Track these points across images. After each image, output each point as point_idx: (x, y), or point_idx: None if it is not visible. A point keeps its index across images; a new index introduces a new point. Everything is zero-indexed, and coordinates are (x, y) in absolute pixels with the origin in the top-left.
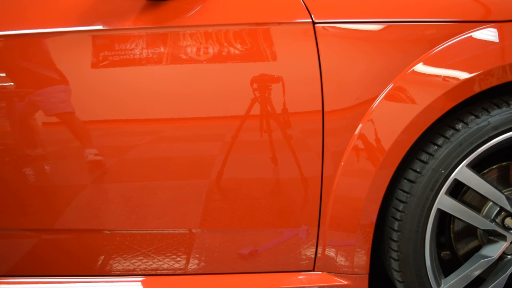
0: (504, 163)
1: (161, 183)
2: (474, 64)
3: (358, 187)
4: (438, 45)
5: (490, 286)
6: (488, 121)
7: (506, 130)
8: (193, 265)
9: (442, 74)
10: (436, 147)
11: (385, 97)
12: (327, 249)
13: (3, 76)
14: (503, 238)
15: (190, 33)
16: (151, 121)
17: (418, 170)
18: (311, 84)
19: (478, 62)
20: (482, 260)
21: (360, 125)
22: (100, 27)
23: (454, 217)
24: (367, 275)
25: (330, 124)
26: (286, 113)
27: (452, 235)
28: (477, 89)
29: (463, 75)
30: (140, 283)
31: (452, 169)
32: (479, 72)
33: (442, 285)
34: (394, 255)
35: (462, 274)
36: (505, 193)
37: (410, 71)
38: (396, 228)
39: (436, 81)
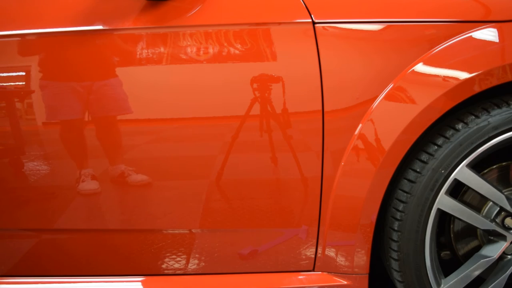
0: (504, 163)
1: (161, 183)
2: (474, 64)
3: (358, 187)
4: (438, 45)
5: (490, 286)
6: (488, 121)
7: (506, 130)
8: (193, 265)
9: (442, 74)
10: (436, 147)
11: (385, 97)
12: (327, 249)
13: (3, 76)
14: (503, 238)
15: (190, 33)
16: (151, 121)
17: (418, 170)
18: (311, 84)
19: (478, 62)
20: (482, 260)
21: (360, 125)
22: (99, 27)
23: (454, 217)
24: (367, 275)
25: (330, 124)
26: (286, 113)
27: (452, 235)
28: (477, 89)
29: (463, 75)
30: (140, 283)
31: (452, 169)
32: (479, 72)
33: (442, 285)
34: (394, 255)
35: (462, 274)
36: (505, 193)
37: (410, 71)
38: (396, 228)
39: (436, 81)
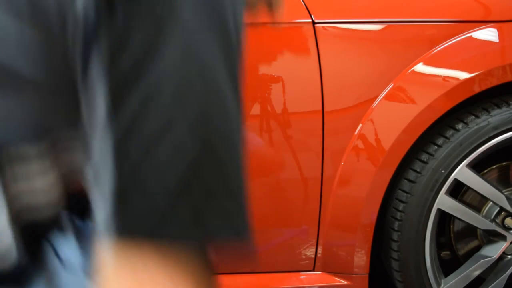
0: (504, 163)
1: None
2: (474, 64)
3: (358, 187)
4: (438, 45)
5: (490, 286)
6: (488, 121)
7: (506, 130)
8: None
9: (442, 74)
10: (436, 147)
11: (385, 97)
12: (327, 249)
13: None
14: (503, 238)
15: None
16: None
17: (418, 170)
18: (311, 84)
19: (478, 62)
20: (482, 260)
21: (360, 125)
22: None
23: (454, 217)
24: (367, 275)
25: (330, 124)
26: (286, 113)
27: (452, 235)
28: (477, 89)
29: (463, 75)
30: None
31: (452, 169)
32: (479, 72)
33: (442, 285)
34: (394, 255)
35: (462, 274)
36: (505, 193)
37: (410, 71)
38: (396, 228)
39: (436, 81)
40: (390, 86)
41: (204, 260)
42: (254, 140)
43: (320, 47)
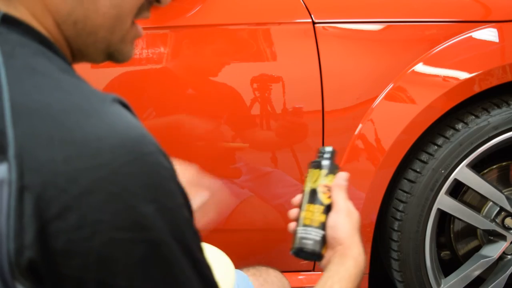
0: (504, 163)
1: None
2: (474, 64)
3: (358, 187)
4: (438, 45)
5: (490, 286)
6: (488, 121)
7: (506, 130)
8: None
9: (442, 74)
10: (436, 147)
11: (385, 97)
12: None
13: None
14: (503, 238)
15: (190, 33)
16: (152, 121)
17: (418, 170)
18: (311, 84)
19: (478, 62)
20: (482, 260)
21: (360, 125)
22: None
23: (454, 217)
24: (367, 275)
25: (330, 124)
26: (286, 113)
27: (452, 235)
28: (477, 89)
29: (463, 75)
30: None
31: (452, 169)
32: (479, 72)
33: (442, 285)
34: (394, 255)
35: (462, 274)
36: (505, 193)
37: (410, 71)
38: (396, 228)
39: (436, 81)
40: (390, 86)
41: None
42: (254, 140)
43: (320, 47)
